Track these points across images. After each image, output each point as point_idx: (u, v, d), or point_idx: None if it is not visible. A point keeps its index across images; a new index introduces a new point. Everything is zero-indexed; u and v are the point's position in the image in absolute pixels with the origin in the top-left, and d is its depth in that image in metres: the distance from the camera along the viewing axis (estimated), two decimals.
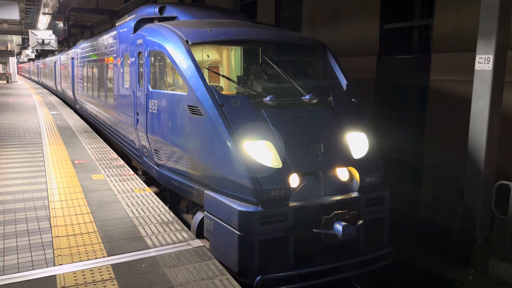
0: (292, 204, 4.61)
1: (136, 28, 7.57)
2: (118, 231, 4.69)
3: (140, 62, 7.09)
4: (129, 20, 8.57)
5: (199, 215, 5.50)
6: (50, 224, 4.88)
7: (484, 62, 6.18)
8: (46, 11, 24.85)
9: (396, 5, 9.16)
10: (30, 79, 56.59)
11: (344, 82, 6.10)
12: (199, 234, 5.28)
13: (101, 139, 10.34)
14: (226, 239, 4.65)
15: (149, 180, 7.36)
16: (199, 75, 5.32)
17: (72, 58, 17.30)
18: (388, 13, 9.26)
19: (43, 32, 26.44)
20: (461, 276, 6.21)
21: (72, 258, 4.03)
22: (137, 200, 5.79)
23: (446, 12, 7.86)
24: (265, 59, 6.12)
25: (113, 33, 9.59)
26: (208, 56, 6.84)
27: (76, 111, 16.59)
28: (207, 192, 5.05)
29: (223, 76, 6.36)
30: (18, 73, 56.79)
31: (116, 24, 10.24)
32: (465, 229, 6.61)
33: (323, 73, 6.56)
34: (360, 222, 4.84)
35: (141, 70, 7.04)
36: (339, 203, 4.83)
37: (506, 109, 6.71)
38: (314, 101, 5.38)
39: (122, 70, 8.49)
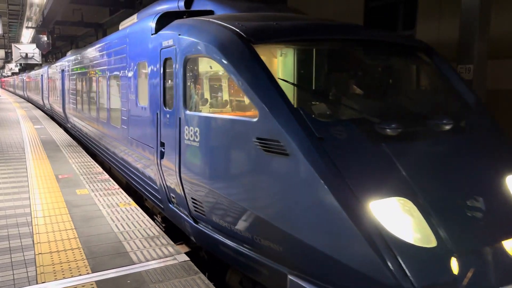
0: None
1: (158, 27, 5.62)
2: (102, 247, 4.61)
3: (168, 72, 5.22)
4: (145, 18, 6.34)
5: None
6: (33, 241, 4.78)
7: (465, 72, 6.29)
8: (30, 25, 24.71)
9: (379, 16, 9.32)
10: (14, 93, 55.91)
11: (470, 96, 4.36)
12: None
13: (85, 153, 10.21)
14: None
15: (169, 228, 5.78)
16: (277, 91, 3.54)
17: (62, 71, 15.38)
18: (372, 25, 9.41)
19: (26, 46, 26.32)
20: None
21: (55, 276, 3.94)
22: (122, 214, 5.71)
23: (427, 23, 8.01)
24: (360, 65, 4.63)
25: (120, 35, 7.66)
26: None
27: (67, 130, 15.21)
28: (292, 278, 3.31)
29: (315, 91, 4.50)
30: (1, 87, 56.08)
31: (120, 27, 8.59)
32: None
33: (430, 83, 5.06)
34: None
35: (169, 83, 5.12)
36: None
37: None
38: (448, 127, 3.72)
39: (135, 84, 6.58)
